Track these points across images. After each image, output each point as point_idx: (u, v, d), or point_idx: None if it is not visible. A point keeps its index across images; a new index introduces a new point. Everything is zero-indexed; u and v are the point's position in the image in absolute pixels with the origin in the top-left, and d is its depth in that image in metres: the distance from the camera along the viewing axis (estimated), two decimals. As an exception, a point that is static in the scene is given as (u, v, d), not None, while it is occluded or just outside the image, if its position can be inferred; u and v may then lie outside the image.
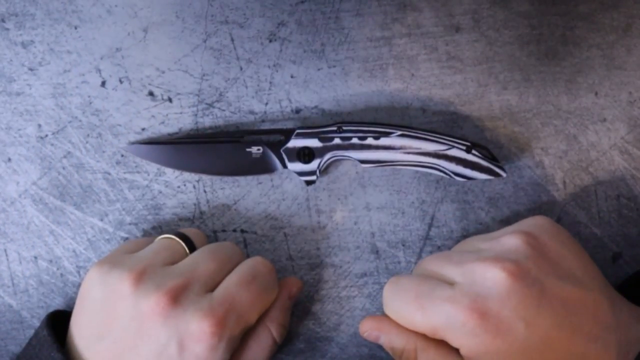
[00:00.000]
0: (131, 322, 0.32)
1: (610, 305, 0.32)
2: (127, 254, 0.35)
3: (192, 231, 0.38)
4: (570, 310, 0.31)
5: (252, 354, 0.35)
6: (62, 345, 0.34)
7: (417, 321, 0.32)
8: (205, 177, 0.39)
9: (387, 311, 0.34)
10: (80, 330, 0.34)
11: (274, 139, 0.38)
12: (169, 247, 0.35)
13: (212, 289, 0.34)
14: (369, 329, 0.35)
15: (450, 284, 0.32)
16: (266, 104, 0.39)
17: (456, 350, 0.32)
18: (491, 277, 0.31)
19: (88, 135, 0.39)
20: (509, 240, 0.33)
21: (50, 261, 0.39)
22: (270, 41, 0.38)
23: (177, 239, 0.36)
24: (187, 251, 0.36)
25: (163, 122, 0.39)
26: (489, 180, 0.39)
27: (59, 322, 0.35)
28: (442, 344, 0.33)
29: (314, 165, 0.38)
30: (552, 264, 0.32)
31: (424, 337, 0.33)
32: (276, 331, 0.36)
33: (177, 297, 0.32)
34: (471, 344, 0.31)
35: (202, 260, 0.35)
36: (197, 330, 0.32)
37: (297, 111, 0.39)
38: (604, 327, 0.31)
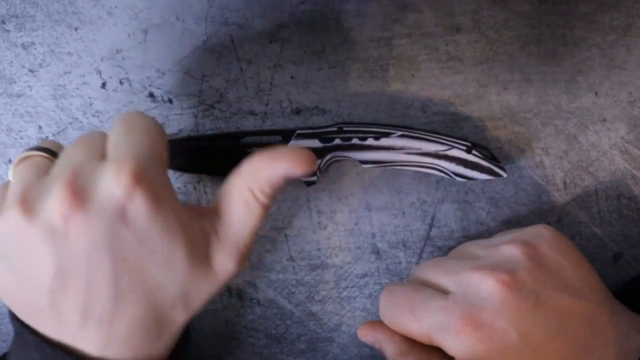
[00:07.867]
0: (59, 249, 0.27)
1: (608, 316, 0.32)
2: None
3: (47, 142, 0.32)
4: (566, 322, 0.31)
5: (238, 217, 0.30)
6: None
7: (413, 331, 0.32)
8: (207, 178, 0.39)
9: (384, 320, 0.34)
10: (21, 307, 0.29)
11: (274, 139, 0.38)
12: (31, 164, 0.30)
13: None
14: (364, 335, 0.35)
15: (445, 292, 0.32)
16: (266, 104, 0.39)
17: (451, 358, 0.32)
18: (485, 288, 0.31)
19: (89, 136, 0.39)
20: (507, 249, 0.33)
21: (52, 262, 0.39)
22: (271, 42, 0.38)
23: (34, 152, 0.30)
24: (52, 157, 0.30)
25: (164, 124, 0.39)
26: (490, 180, 0.39)
27: None
28: (432, 350, 0.33)
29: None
30: (549, 274, 0.32)
31: (413, 344, 0.33)
32: (263, 196, 0.30)
33: (77, 185, 0.27)
34: (465, 353, 0.31)
35: (73, 152, 0.29)
36: (122, 192, 0.26)
37: (298, 112, 0.39)
38: (601, 339, 0.31)
